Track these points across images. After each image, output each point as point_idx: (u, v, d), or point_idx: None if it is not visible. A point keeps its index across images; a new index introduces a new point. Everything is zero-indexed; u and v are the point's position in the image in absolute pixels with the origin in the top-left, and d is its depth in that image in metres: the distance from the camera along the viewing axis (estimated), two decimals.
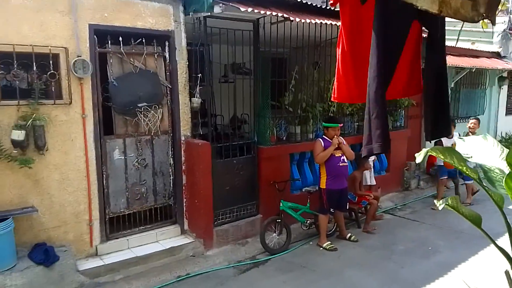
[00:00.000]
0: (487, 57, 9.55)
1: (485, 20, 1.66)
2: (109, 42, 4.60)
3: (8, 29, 3.90)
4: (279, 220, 5.23)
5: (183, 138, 5.15)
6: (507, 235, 2.31)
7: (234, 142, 5.51)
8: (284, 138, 6.06)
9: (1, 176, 3.97)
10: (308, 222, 5.54)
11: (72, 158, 4.37)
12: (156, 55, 4.95)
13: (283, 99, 6.04)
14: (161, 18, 4.83)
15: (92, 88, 4.47)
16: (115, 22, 4.52)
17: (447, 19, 1.70)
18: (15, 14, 3.94)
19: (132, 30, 4.65)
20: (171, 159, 5.17)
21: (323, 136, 5.37)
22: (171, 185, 5.20)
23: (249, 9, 4.28)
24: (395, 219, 6.48)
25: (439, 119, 2.66)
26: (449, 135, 2.78)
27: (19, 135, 3.92)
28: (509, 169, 2.11)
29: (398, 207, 7.08)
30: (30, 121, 3.96)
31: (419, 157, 2.54)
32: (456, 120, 8.24)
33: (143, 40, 4.79)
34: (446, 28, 2.40)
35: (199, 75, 5.07)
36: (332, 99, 2.68)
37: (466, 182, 7.00)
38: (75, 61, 4.27)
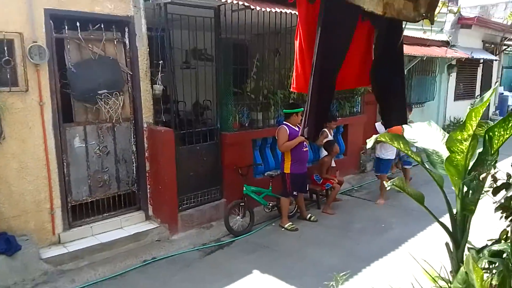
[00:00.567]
0: (438, 46, 10.09)
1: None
2: (66, 27, 4.50)
3: None
4: (243, 204, 5.39)
5: (145, 125, 5.15)
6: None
7: (197, 129, 5.58)
8: (247, 124, 6.20)
9: None
10: (270, 204, 5.75)
11: (31, 146, 4.28)
12: (115, 41, 4.89)
13: (245, 86, 6.15)
14: (120, 3, 4.77)
15: (50, 74, 4.37)
16: (72, 7, 4.41)
17: None
18: None
19: (90, 15, 4.56)
20: (133, 146, 5.17)
21: (286, 122, 5.51)
22: (134, 172, 5.21)
23: None
24: (352, 200, 6.84)
25: (394, 107, 2.85)
26: (405, 122, 2.97)
27: None
28: (449, 152, 2.36)
29: (355, 188, 7.44)
30: None
31: (370, 142, 2.77)
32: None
33: (102, 26, 4.70)
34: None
35: (161, 62, 5.06)
36: (291, 89, 2.84)
37: (405, 166, 7.22)
38: (31, 47, 4.15)
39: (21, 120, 4.20)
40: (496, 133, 2.13)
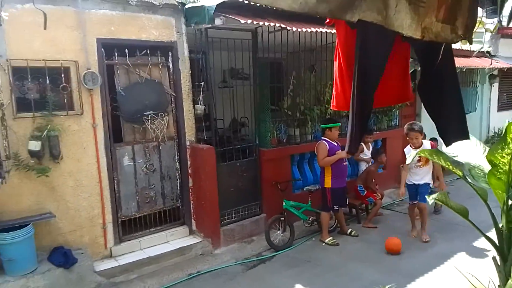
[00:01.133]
0: (478, 57, 9.85)
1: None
2: (116, 54, 4.85)
3: (21, 45, 4.14)
4: (283, 218, 5.47)
5: (188, 143, 5.39)
6: None
7: (236, 146, 5.76)
8: (284, 140, 6.32)
9: (20, 185, 4.20)
10: (310, 219, 5.79)
11: (85, 165, 4.60)
12: (160, 65, 5.20)
13: (282, 103, 6.30)
14: (164, 30, 5.09)
15: (101, 98, 4.71)
16: (121, 35, 4.76)
17: None
18: (27, 30, 4.16)
19: (137, 42, 4.90)
20: (177, 163, 5.42)
21: (324, 138, 5.57)
22: (178, 188, 5.44)
23: (249, 21, 4.53)
24: (393, 214, 6.74)
25: (451, 123, 2.71)
26: (466, 137, 2.81)
27: (35, 145, 4.15)
28: (490, 166, 2.36)
29: (396, 202, 7.33)
30: (45, 131, 4.20)
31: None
32: None
33: (148, 51, 5.04)
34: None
35: (202, 83, 5.32)
36: (331, 108, 2.93)
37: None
38: (85, 73, 4.51)
39: (76, 141, 4.54)
40: None
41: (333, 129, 5.50)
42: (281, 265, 4.97)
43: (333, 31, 2.97)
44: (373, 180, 6.46)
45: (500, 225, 2.55)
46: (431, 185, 5.81)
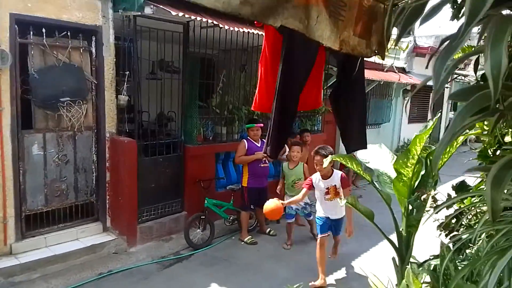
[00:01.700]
0: (394, 72, 10.72)
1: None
2: (32, 33, 4.43)
3: None
4: (204, 217, 5.43)
5: (108, 135, 5.11)
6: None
7: (161, 140, 5.60)
8: (211, 138, 6.29)
9: None
10: (231, 218, 5.82)
11: None
12: (81, 49, 4.86)
13: (211, 100, 6.27)
14: (88, 13, 4.77)
15: (11, 79, 4.27)
16: (39, 12, 4.37)
17: None
18: None
19: (57, 23, 4.52)
20: (94, 155, 5.11)
21: (248, 137, 5.70)
22: (94, 182, 5.13)
23: (180, 14, 4.42)
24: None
25: (353, 133, 3.00)
26: (364, 147, 3.13)
27: None
28: (396, 174, 2.58)
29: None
30: None
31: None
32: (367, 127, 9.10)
33: (68, 33, 4.67)
34: None
35: (127, 72, 5.08)
36: (252, 108, 3.00)
37: (307, 218, 5.81)
38: None
39: None
40: None
41: (253, 129, 5.62)
42: (198, 264, 4.93)
43: (263, 33, 3.02)
44: None
45: (401, 228, 2.77)
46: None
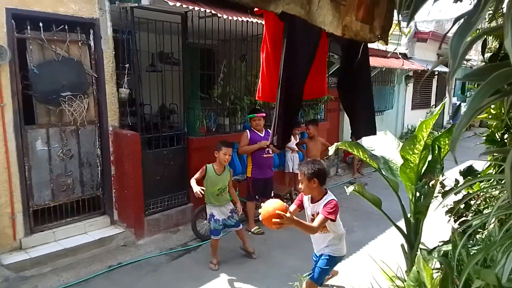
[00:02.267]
0: (396, 58, 10.60)
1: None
2: (29, 27, 4.39)
3: None
4: None
5: (110, 129, 5.10)
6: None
7: (164, 133, 5.58)
8: (214, 129, 6.26)
9: None
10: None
11: None
12: (80, 43, 4.82)
13: (213, 91, 6.22)
14: (85, 5, 4.71)
15: (11, 75, 4.25)
16: (35, 6, 4.32)
17: None
18: None
19: (53, 16, 4.48)
20: (98, 149, 5.10)
21: (251, 128, 5.67)
22: (99, 176, 5.14)
23: (178, 4, 4.35)
24: None
25: (362, 120, 2.95)
26: (374, 133, 3.08)
27: None
28: (402, 160, 2.55)
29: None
30: None
31: (331, 150, 2.93)
32: None
33: (66, 27, 4.63)
34: None
35: (127, 65, 5.04)
36: (256, 98, 2.96)
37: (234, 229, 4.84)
38: None
39: None
40: (442, 142, 2.33)
41: (255, 119, 5.59)
42: (206, 255, 4.94)
43: (263, 21, 2.95)
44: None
45: (409, 215, 2.76)
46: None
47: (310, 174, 3.04)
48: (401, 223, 2.86)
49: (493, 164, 2.13)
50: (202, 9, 4.72)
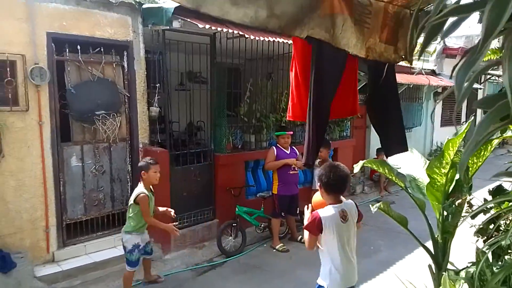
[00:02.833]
0: (424, 74, 10.47)
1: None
2: (67, 50, 4.66)
3: None
4: (235, 224, 5.49)
5: (141, 146, 5.28)
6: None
7: (191, 150, 5.72)
8: (240, 146, 6.37)
9: None
10: (262, 225, 5.85)
11: (29, 164, 4.37)
12: (114, 64, 5.06)
13: (239, 109, 6.35)
14: (120, 29, 4.96)
15: (50, 95, 4.50)
16: (73, 30, 4.59)
17: None
18: None
19: (90, 39, 4.73)
20: (129, 165, 5.28)
21: (277, 144, 5.74)
22: (129, 191, 5.29)
23: (207, 26, 4.53)
24: None
25: (392, 137, 2.95)
26: (405, 150, 3.05)
27: None
28: (429, 179, 2.53)
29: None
30: None
31: (357, 167, 2.94)
32: None
33: (102, 49, 4.88)
34: None
35: (157, 84, 5.24)
36: (287, 118, 3.00)
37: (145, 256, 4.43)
38: (33, 68, 4.29)
39: (20, 139, 4.30)
40: (470, 161, 2.31)
41: (284, 137, 5.65)
42: (231, 271, 4.98)
43: (290, 41, 3.04)
44: None
45: (436, 235, 2.72)
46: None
47: (318, 179, 2.77)
48: (429, 243, 2.82)
49: None
50: (230, 30, 4.89)
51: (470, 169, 2.39)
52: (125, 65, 5.14)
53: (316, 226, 2.66)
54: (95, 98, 4.89)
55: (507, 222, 2.17)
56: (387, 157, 3.04)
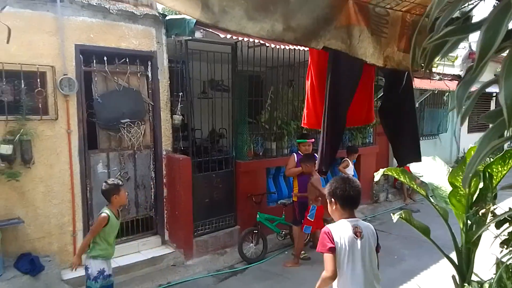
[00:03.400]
0: (449, 80, 10.25)
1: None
2: (94, 61, 4.83)
3: None
4: (256, 231, 5.50)
5: (164, 153, 5.39)
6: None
7: (213, 157, 5.80)
8: (261, 153, 6.40)
9: None
10: (283, 232, 5.84)
11: (57, 171, 4.54)
12: (139, 74, 5.21)
13: (260, 117, 6.40)
14: (144, 40, 5.12)
15: (78, 104, 4.68)
16: (100, 43, 4.77)
17: None
18: (3, 34, 4.10)
19: (116, 50, 4.90)
20: (152, 172, 5.40)
21: (298, 151, 5.74)
22: (153, 198, 5.42)
23: (228, 36, 4.61)
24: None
25: (406, 146, 2.91)
26: (419, 160, 2.94)
27: (7, 149, 4.08)
28: (452, 187, 2.48)
29: (368, 218, 7.47)
30: (17, 136, 4.14)
31: (377, 175, 2.92)
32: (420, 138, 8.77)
33: (127, 60, 5.04)
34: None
35: (180, 93, 5.35)
36: (302, 125, 3.02)
37: None
38: (62, 79, 4.48)
39: (49, 147, 4.48)
40: (495, 169, 2.26)
41: (305, 144, 5.65)
42: (252, 278, 4.99)
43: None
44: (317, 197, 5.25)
45: (460, 245, 2.66)
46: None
47: (328, 193, 2.49)
48: (454, 253, 2.76)
49: None
50: (251, 40, 4.95)
51: (495, 177, 2.34)
52: (149, 75, 5.28)
53: (328, 240, 2.35)
54: (120, 107, 5.05)
55: None
56: (399, 166, 3.00)
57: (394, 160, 8.45)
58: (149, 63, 5.24)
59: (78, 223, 4.71)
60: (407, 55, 1.69)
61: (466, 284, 1.95)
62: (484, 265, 2.92)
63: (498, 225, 2.50)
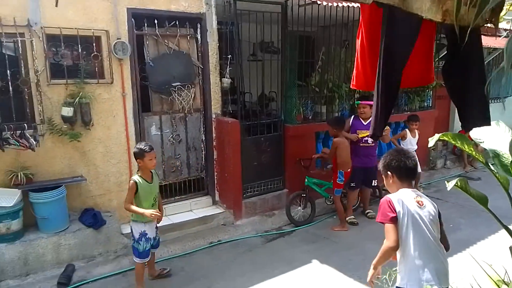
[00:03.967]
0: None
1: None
2: (146, 24, 4.90)
3: (54, 13, 4.21)
4: (304, 195, 5.51)
5: (214, 116, 5.46)
6: None
7: (262, 120, 5.78)
8: (310, 117, 6.27)
9: (53, 148, 4.43)
10: (331, 197, 5.79)
11: (114, 133, 4.77)
12: (188, 36, 5.22)
13: (310, 79, 6.22)
14: (193, 1, 5.08)
15: (131, 68, 4.81)
16: (151, 5, 4.80)
17: None
18: None
19: (166, 13, 4.92)
20: (203, 135, 5.52)
21: (356, 114, 5.56)
22: (203, 159, 5.57)
23: None
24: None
25: (472, 107, 2.68)
26: (488, 123, 2.72)
27: (68, 111, 4.33)
28: None
29: (423, 185, 7.19)
30: (77, 98, 4.35)
31: (432, 141, 2.74)
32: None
33: (177, 23, 5.06)
34: None
35: (229, 56, 5.31)
36: (351, 86, 2.88)
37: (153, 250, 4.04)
38: (115, 43, 4.60)
39: (106, 109, 4.69)
40: None
41: (360, 106, 5.45)
42: (299, 240, 5.06)
43: None
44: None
45: None
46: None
47: (383, 167, 2.45)
48: None
49: None
50: None
51: None
52: (199, 37, 5.28)
53: (389, 210, 2.32)
54: (171, 70, 5.13)
55: None
56: (465, 132, 2.78)
57: (455, 125, 7.97)
58: (199, 26, 5.22)
59: None
60: (472, 9, 1.51)
61: None
62: None
63: None
